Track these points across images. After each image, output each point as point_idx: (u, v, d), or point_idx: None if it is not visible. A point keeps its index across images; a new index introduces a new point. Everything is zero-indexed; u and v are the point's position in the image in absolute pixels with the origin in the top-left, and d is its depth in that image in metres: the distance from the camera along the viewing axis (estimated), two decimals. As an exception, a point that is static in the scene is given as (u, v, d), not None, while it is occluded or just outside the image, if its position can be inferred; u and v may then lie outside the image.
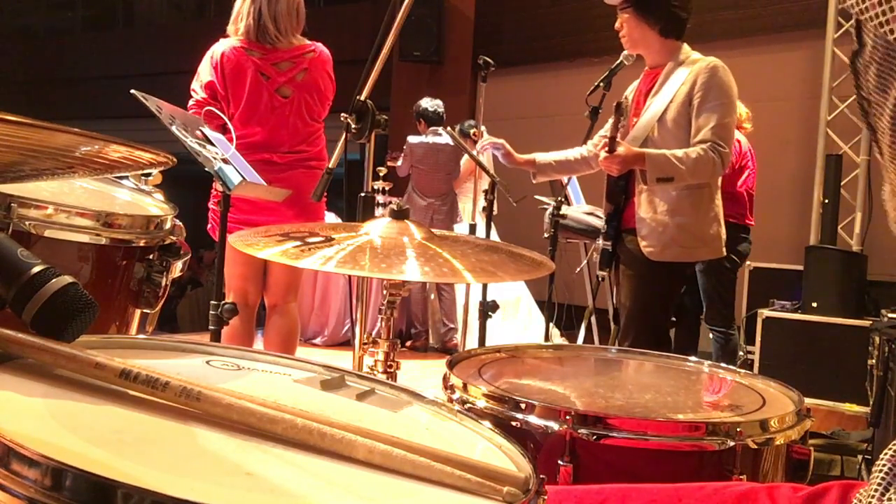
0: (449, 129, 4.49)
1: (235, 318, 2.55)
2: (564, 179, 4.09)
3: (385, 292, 1.50)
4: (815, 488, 0.89)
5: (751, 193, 4.60)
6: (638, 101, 2.92)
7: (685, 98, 2.74)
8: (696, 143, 2.70)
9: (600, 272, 2.98)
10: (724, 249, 2.90)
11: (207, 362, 0.95)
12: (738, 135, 4.52)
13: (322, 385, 0.94)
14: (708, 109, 2.70)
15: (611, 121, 2.74)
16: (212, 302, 2.53)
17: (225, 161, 2.46)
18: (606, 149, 2.68)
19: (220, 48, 3.07)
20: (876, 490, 0.73)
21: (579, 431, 1.26)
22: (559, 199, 3.88)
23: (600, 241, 2.99)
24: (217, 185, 2.59)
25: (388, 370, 1.49)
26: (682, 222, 2.75)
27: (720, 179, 2.89)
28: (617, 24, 2.87)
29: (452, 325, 5.95)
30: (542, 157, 3.11)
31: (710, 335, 4.63)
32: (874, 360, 3.52)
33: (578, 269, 5.40)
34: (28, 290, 0.77)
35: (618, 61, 3.02)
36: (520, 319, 6.10)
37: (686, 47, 2.86)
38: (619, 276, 2.93)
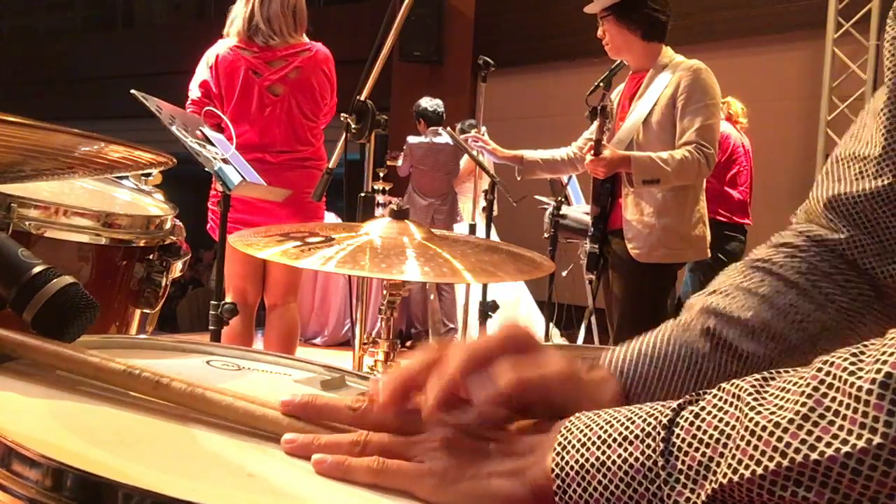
0: (449, 129, 4.49)
1: (235, 318, 2.55)
2: (564, 179, 4.10)
3: (385, 292, 1.50)
4: None
5: (744, 191, 4.53)
6: (623, 105, 2.94)
7: (669, 100, 2.76)
8: (680, 144, 2.71)
9: (587, 275, 2.98)
10: (708, 251, 2.92)
11: (207, 362, 0.95)
12: (728, 129, 4.46)
13: (322, 385, 0.94)
14: (692, 111, 2.72)
15: (595, 123, 2.76)
16: (212, 302, 2.53)
17: (225, 161, 2.46)
18: (592, 152, 2.70)
19: (216, 49, 3.12)
20: None
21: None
22: (559, 199, 3.88)
23: (587, 244, 2.99)
24: (217, 185, 2.59)
25: (388, 370, 1.49)
26: (668, 224, 2.77)
27: (705, 180, 2.90)
28: (599, 32, 2.88)
29: (452, 326, 5.95)
30: (529, 154, 3.13)
31: None
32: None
33: (566, 272, 5.40)
34: (29, 291, 0.77)
35: (617, 61, 3.03)
36: (520, 319, 6.10)
37: (669, 50, 2.87)
38: (607, 278, 2.94)
